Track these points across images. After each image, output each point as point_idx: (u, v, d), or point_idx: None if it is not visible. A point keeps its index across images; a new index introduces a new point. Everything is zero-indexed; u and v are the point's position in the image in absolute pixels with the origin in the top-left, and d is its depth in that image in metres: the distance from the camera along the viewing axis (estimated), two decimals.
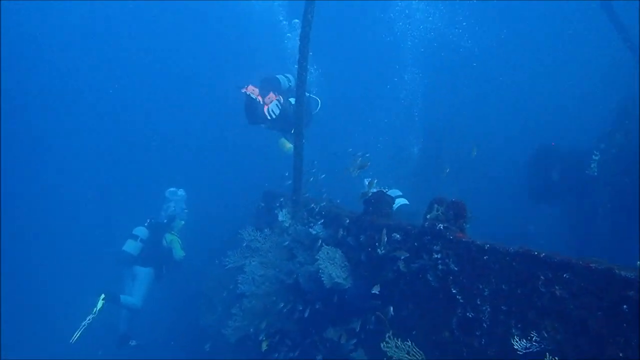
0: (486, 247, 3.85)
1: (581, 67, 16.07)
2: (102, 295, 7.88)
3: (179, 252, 9.30)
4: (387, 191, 8.49)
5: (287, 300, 6.04)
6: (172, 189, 10.47)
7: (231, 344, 6.90)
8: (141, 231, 8.97)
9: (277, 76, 7.82)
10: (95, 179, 19.26)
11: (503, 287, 3.67)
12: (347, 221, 5.48)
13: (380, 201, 5.30)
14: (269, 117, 7.33)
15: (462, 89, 18.07)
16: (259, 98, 7.32)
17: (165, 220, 9.50)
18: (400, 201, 8.12)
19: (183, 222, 9.73)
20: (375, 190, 8.29)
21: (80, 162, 20.01)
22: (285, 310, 5.92)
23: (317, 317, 5.60)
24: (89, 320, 7.63)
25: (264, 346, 5.69)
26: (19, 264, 15.01)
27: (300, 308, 5.60)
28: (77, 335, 7.51)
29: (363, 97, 18.79)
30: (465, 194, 11.76)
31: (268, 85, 7.68)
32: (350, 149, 6.82)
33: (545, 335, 3.26)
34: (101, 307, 7.80)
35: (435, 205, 4.44)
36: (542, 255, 3.42)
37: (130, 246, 8.76)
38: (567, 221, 10.75)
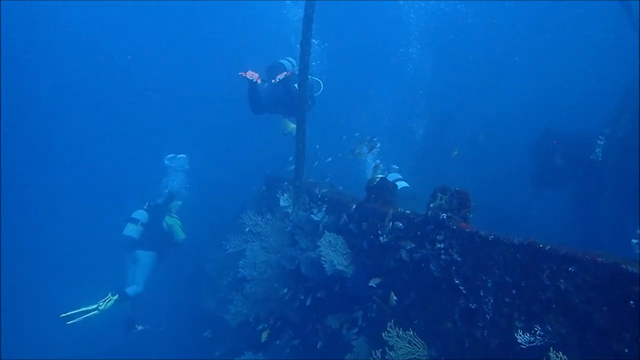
0: (490, 238, 3.79)
1: (587, 49, 15.81)
2: (116, 296, 7.83)
3: (179, 234, 9.27)
4: (386, 175, 8.49)
5: (288, 286, 6.04)
6: (170, 155, 10.37)
7: (232, 329, 6.93)
8: (141, 214, 8.90)
9: (281, 61, 7.77)
10: (92, 170, 19.19)
11: (507, 279, 3.63)
12: (353, 207, 5.39)
13: (383, 188, 5.23)
14: (275, 81, 7.29)
15: (467, 68, 17.85)
16: (259, 81, 7.27)
17: (162, 201, 9.43)
18: (401, 184, 8.08)
19: (180, 203, 9.66)
20: (380, 174, 8.33)
21: (79, 158, 19.92)
22: (286, 296, 5.91)
23: (319, 304, 5.59)
24: (93, 313, 7.51)
25: (264, 337, 5.68)
26: (19, 264, 14.96)
27: (302, 297, 5.58)
28: (74, 319, 7.26)
29: (367, 73, 18.57)
30: (468, 177, 11.78)
31: (274, 71, 7.65)
32: (357, 134, 6.76)
33: (550, 329, 3.23)
34: (110, 305, 7.75)
35: (439, 194, 4.37)
36: (547, 248, 3.36)
37: (131, 230, 8.68)
38: (571, 206, 10.69)
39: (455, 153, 7.36)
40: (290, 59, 7.90)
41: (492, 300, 3.73)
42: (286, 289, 5.99)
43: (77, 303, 7.53)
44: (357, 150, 6.54)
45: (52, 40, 20.50)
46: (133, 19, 20.75)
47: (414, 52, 15.70)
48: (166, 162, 10.25)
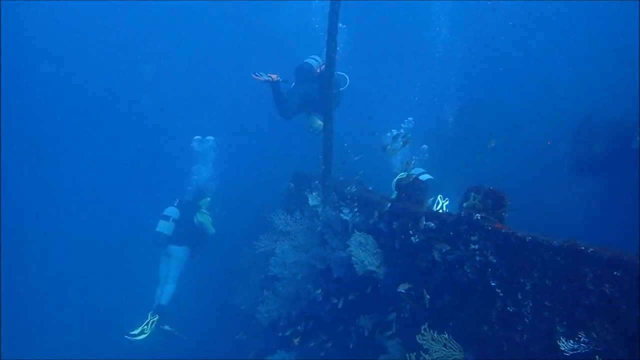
0: (527, 240, 3.63)
1: (627, 34, 15.07)
2: (156, 317, 8.19)
3: (210, 230, 9.40)
4: (410, 170, 8.36)
5: (319, 286, 5.98)
6: (198, 137, 10.46)
7: (263, 327, 6.93)
8: (172, 211, 9.04)
9: (307, 61, 7.69)
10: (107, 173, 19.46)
11: (546, 282, 3.47)
12: (386, 207, 5.23)
13: (414, 187, 5.10)
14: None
15: (501, 53, 17.29)
16: (275, 78, 7.08)
17: (192, 198, 9.58)
18: (424, 177, 7.97)
19: (209, 199, 9.76)
20: (412, 170, 8.21)
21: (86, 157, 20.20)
22: (319, 297, 5.86)
23: (350, 305, 5.52)
24: (142, 337, 7.94)
25: (297, 342, 5.65)
26: (19, 264, 15.24)
27: (335, 301, 5.50)
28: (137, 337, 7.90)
29: (394, 57, 18.19)
30: (502, 168, 11.46)
31: (302, 72, 7.58)
32: (392, 132, 6.64)
33: (595, 336, 3.07)
34: (154, 326, 8.15)
35: (472, 194, 4.22)
36: (589, 251, 3.18)
37: (164, 227, 8.84)
38: (610, 195, 10.29)
39: (493, 144, 7.13)
40: (316, 57, 7.80)
41: (531, 304, 3.58)
42: (317, 290, 5.94)
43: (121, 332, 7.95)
44: (389, 147, 6.42)
45: (76, 25, 20.59)
46: (165, 14, 20.77)
47: (445, 35, 15.37)
48: (194, 144, 10.34)
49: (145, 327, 8.05)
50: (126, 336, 7.88)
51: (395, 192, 8.54)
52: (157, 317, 8.18)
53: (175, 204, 9.24)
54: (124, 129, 20.28)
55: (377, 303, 5.23)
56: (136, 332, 7.96)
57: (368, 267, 5.16)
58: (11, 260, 14.82)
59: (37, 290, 14.44)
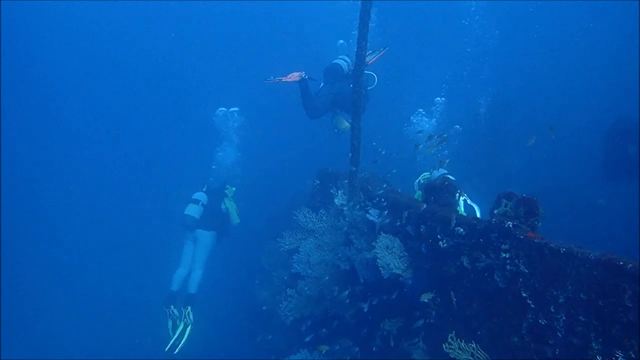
0: (562, 251, 3.52)
1: None
2: (188, 308, 8.11)
3: (235, 219, 9.45)
4: (432, 172, 8.24)
5: (343, 286, 5.94)
6: (222, 108, 10.45)
7: (286, 325, 6.93)
8: (201, 196, 9.10)
9: (336, 62, 7.66)
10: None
11: (581, 296, 3.35)
12: (420, 209, 5.11)
13: (443, 190, 5.00)
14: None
15: (535, 49, 16.81)
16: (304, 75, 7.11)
17: (218, 185, 9.65)
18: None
19: (234, 189, 9.80)
20: (427, 171, 8.09)
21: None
22: (346, 299, 5.81)
23: (375, 308, 5.46)
24: (188, 330, 7.89)
25: (324, 349, 5.63)
26: (19, 264, 15.41)
27: (360, 304, 5.45)
28: (177, 346, 7.79)
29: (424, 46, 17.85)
30: (532, 168, 11.19)
31: (331, 72, 7.60)
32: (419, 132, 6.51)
33: (633, 356, 2.95)
34: (192, 316, 8.07)
35: (504, 200, 4.10)
36: (629, 267, 3.06)
37: (193, 210, 8.87)
38: None
39: (533, 142, 6.94)
40: (345, 58, 7.71)
41: (564, 318, 3.47)
42: (344, 291, 5.90)
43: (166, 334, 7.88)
44: (422, 145, 6.32)
45: (97, 20, 20.78)
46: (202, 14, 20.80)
47: (476, 30, 15.02)
48: (218, 117, 10.31)
49: (186, 319, 7.96)
50: (169, 350, 7.79)
51: (418, 192, 8.48)
52: (190, 307, 8.10)
53: (204, 190, 9.32)
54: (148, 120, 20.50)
55: (403, 307, 5.16)
56: (175, 336, 7.86)
57: (394, 271, 5.09)
58: (11, 260, 15.08)
59: (37, 290, 14.64)
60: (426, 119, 10.77)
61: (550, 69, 15.51)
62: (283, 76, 7.06)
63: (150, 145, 20.66)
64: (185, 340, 7.86)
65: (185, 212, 8.84)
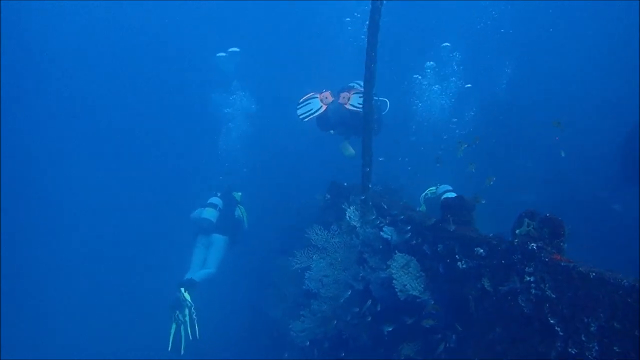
0: (592, 276, 3.31)
1: None
2: (182, 289, 7.88)
3: (245, 224, 9.52)
4: (438, 187, 8.08)
5: (357, 306, 5.75)
6: (222, 53, 10.36)
7: (298, 346, 6.74)
8: (217, 200, 9.12)
9: (351, 84, 7.73)
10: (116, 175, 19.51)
11: (615, 325, 3.14)
12: (452, 228, 4.86)
13: (461, 207, 4.80)
14: (354, 109, 7.30)
15: (541, 47, 16.49)
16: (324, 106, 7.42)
17: (225, 189, 9.63)
18: (450, 195, 7.70)
19: (240, 194, 9.75)
20: (432, 188, 7.95)
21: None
22: (361, 320, 5.63)
23: (392, 330, 5.26)
24: (193, 314, 7.66)
25: None
26: (19, 264, 15.33)
27: (381, 329, 5.25)
28: (192, 333, 7.58)
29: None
30: (546, 174, 10.91)
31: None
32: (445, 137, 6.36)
33: None
34: (189, 297, 7.82)
35: (526, 220, 3.90)
36: None
37: (211, 214, 8.86)
38: None
39: (557, 138, 6.79)
40: (361, 83, 7.70)
41: (596, 347, 3.26)
42: (356, 309, 5.71)
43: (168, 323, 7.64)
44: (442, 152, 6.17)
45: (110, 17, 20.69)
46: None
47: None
48: (221, 56, 10.25)
49: (184, 302, 7.68)
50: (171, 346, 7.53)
51: (423, 206, 8.30)
52: (187, 290, 7.84)
53: (218, 195, 9.32)
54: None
55: (421, 329, 4.95)
56: (184, 314, 7.61)
57: (411, 292, 4.90)
58: (11, 260, 15.04)
59: (37, 290, 14.58)
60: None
61: (568, 70, 15.19)
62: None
63: (150, 141, 20.63)
64: (192, 323, 7.59)
65: (203, 216, 8.82)
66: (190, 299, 7.82)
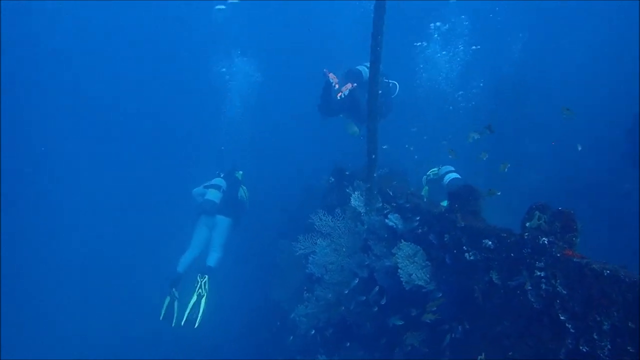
0: (605, 274, 3.22)
1: None
2: (205, 277, 7.91)
3: (246, 204, 9.48)
4: (440, 168, 7.99)
5: (362, 294, 5.69)
6: (220, 6, 10.26)
7: (302, 330, 6.72)
8: (220, 182, 9.07)
9: (358, 68, 7.60)
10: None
11: (629, 324, 3.06)
12: (462, 226, 4.71)
13: (469, 196, 4.68)
14: (338, 98, 7.22)
15: (549, 32, 16.13)
16: (337, 86, 7.25)
17: (229, 168, 9.60)
18: (451, 175, 7.76)
19: (242, 172, 9.68)
20: (434, 168, 7.87)
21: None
22: (359, 307, 5.58)
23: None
24: (204, 301, 7.67)
25: None
26: (19, 264, 15.29)
27: (386, 319, 5.20)
28: (198, 320, 7.58)
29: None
30: (554, 157, 10.71)
31: (350, 77, 7.50)
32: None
33: None
34: (208, 286, 7.86)
35: (537, 213, 3.79)
36: None
37: (214, 195, 8.82)
38: None
39: (580, 149, 6.72)
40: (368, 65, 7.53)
41: (609, 346, 3.18)
42: (362, 297, 5.66)
43: (180, 306, 7.62)
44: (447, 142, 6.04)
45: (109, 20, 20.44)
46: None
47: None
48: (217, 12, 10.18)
49: (200, 290, 7.73)
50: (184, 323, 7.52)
51: (425, 188, 8.20)
52: (207, 277, 7.90)
53: (222, 176, 9.30)
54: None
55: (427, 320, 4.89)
56: (195, 300, 7.61)
57: (416, 282, 4.83)
58: (11, 260, 15.06)
59: (37, 290, 14.60)
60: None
61: (578, 59, 14.84)
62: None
63: (150, 141, 20.57)
64: (202, 313, 7.58)
65: (207, 197, 8.78)
66: (208, 289, 7.86)
